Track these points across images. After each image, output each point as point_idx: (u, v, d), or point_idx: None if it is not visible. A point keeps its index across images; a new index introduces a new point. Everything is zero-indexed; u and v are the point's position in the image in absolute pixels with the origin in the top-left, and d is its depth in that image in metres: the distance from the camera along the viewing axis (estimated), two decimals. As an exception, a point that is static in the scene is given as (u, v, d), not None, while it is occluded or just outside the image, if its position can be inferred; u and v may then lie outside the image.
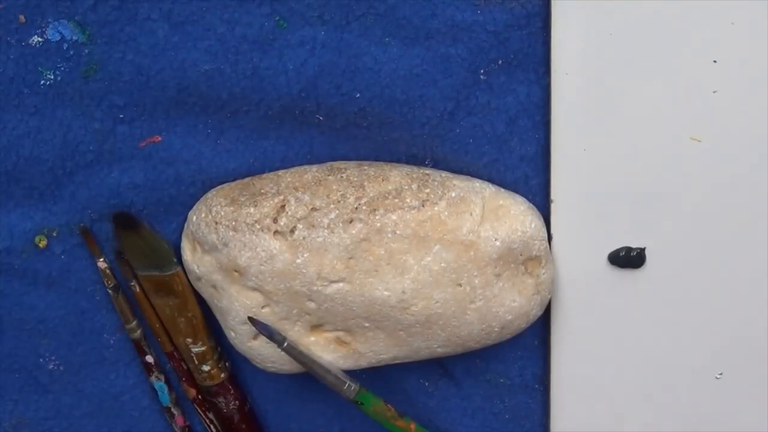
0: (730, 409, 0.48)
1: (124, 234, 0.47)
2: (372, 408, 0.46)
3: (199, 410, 0.51)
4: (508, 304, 0.45)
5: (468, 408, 0.51)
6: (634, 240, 0.45)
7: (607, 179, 0.45)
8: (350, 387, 0.45)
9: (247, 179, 0.46)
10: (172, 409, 0.51)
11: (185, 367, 0.50)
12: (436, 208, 0.43)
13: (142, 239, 0.46)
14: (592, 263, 0.46)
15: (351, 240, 0.43)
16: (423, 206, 0.43)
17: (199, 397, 0.50)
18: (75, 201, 0.46)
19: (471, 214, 0.43)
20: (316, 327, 0.46)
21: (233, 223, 0.44)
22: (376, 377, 0.50)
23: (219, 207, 0.44)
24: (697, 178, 0.44)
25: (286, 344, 0.45)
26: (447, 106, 0.44)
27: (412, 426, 0.47)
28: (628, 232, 0.45)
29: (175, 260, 0.47)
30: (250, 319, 0.45)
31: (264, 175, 0.46)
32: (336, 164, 0.46)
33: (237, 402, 0.50)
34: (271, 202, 0.44)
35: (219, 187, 0.46)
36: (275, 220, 0.43)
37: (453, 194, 0.44)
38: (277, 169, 0.46)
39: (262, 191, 0.44)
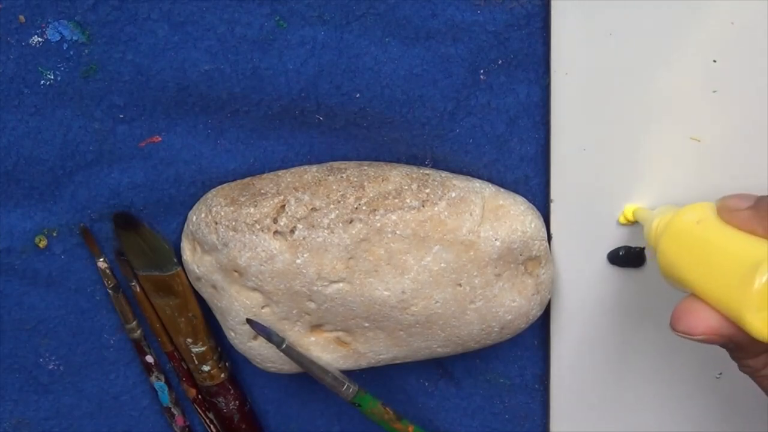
0: (730, 410, 0.48)
1: (124, 234, 0.47)
2: (370, 410, 0.46)
3: (199, 410, 0.51)
4: (508, 304, 0.45)
5: (468, 408, 0.51)
6: (634, 240, 0.45)
7: (607, 179, 0.45)
8: (349, 388, 0.45)
9: (247, 179, 0.46)
10: (172, 409, 0.51)
11: (185, 366, 0.50)
12: (436, 209, 0.43)
13: (142, 239, 0.46)
14: (591, 263, 0.46)
15: (351, 240, 0.43)
16: (423, 206, 0.43)
17: (199, 397, 0.50)
18: (75, 201, 0.46)
19: (471, 214, 0.43)
20: (316, 327, 0.46)
21: (233, 223, 0.44)
22: (375, 377, 0.50)
23: (219, 207, 0.44)
24: (697, 178, 0.44)
25: (284, 345, 0.45)
26: (447, 106, 0.44)
27: (411, 429, 0.47)
28: (628, 231, 0.45)
29: (175, 260, 0.47)
30: (249, 320, 0.45)
31: (264, 175, 0.46)
32: (336, 164, 0.46)
33: (237, 402, 0.50)
34: (271, 202, 0.44)
35: (219, 187, 0.46)
36: (275, 220, 0.43)
37: (453, 194, 0.44)
38: (277, 169, 0.46)
39: (262, 191, 0.44)
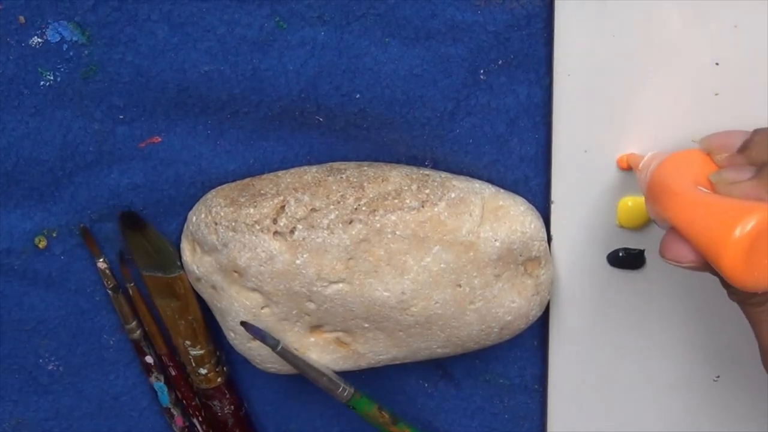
0: (727, 412, 0.48)
1: (129, 234, 0.47)
2: (365, 413, 0.46)
3: (189, 409, 0.51)
4: (508, 305, 0.45)
5: (467, 408, 0.51)
6: (634, 241, 0.45)
7: (608, 180, 0.45)
8: (344, 391, 0.45)
9: (246, 180, 0.46)
10: (172, 410, 0.51)
11: (173, 373, 0.50)
12: (435, 209, 0.43)
13: (147, 240, 0.46)
14: (591, 264, 0.46)
15: (351, 241, 0.43)
16: (423, 207, 0.43)
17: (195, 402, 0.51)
18: (75, 201, 0.46)
19: (470, 215, 0.43)
20: (315, 328, 0.46)
21: (233, 223, 0.44)
22: (375, 378, 0.50)
23: (219, 208, 0.44)
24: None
25: (279, 347, 0.45)
26: (447, 106, 0.44)
27: (407, 432, 0.48)
28: (628, 233, 0.45)
29: (178, 263, 0.47)
30: (243, 323, 0.45)
31: (264, 176, 0.46)
32: (336, 165, 0.46)
33: (232, 407, 0.50)
34: (271, 202, 0.44)
35: (219, 187, 0.46)
36: (275, 221, 0.43)
37: (453, 195, 0.44)
38: (277, 170, 0.46)
39: (262, 192, 0.44)
